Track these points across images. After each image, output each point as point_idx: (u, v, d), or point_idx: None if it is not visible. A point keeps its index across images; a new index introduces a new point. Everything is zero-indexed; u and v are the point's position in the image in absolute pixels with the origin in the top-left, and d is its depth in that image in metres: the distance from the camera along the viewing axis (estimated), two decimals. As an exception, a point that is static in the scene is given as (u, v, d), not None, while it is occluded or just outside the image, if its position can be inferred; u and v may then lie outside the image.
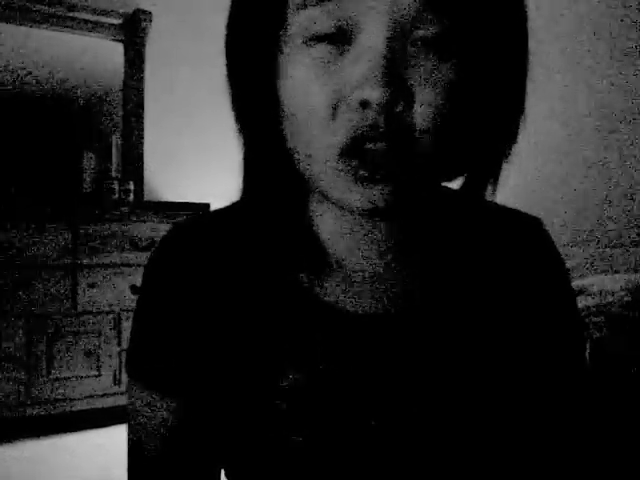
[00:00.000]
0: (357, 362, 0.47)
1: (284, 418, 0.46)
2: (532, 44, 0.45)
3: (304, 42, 0.40)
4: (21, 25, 2.65)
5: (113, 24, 2.80)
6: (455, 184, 0.50)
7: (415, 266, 0.49)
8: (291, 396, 0.46)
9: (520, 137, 0.47)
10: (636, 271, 1.94)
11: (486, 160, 0.46)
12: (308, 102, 0.40)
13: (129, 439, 0.52)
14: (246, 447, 0.47)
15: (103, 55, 2.83)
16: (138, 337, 0.51)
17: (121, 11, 2.79)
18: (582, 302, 1.50)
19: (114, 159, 2.76)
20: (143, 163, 2.86)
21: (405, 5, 0.38)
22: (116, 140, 2.78)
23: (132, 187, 2.69)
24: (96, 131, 2.83)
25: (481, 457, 0.47)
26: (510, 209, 0.55)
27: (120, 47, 2.85)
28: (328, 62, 0.39)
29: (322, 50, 0.40)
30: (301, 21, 0.40)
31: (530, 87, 0.46)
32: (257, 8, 0.43)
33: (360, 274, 0.49)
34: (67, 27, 2.72)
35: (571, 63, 2.80)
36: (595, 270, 2.01)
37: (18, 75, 2.66)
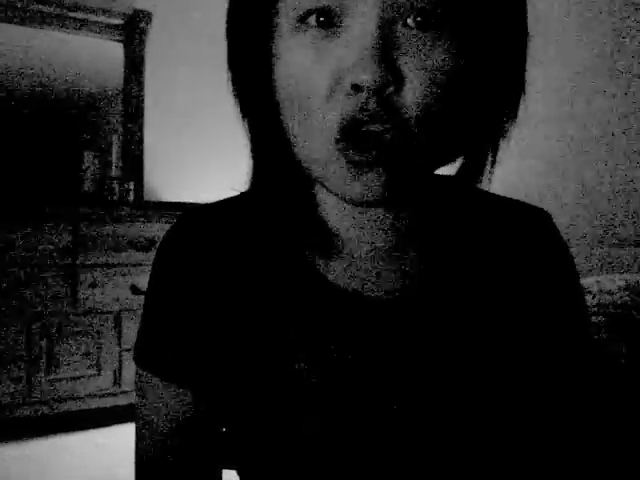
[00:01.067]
0: (368, 345, 0.47)
1: (297, 402, 0.46)
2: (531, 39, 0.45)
3: (295, 27, 0.40)
4: (21, 25, 2.65)
5: (113, 24, 2.80)
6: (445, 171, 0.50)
7: (422, 250, 0.50)
8: (304, 380, 0.46)
9: (522, 136, 0.47)
10: (636, 271, 1.94)
11: (485, 140, 0.46)
12: (302, 88, 0.40)
13: (137, 430, 0.52)
14: (258, 433, 0.47)
15: (103, 55, 2.83)
16: (148, 326, 0.51)
17: (121, 11, 2.79)
18: (582, 302, 1.49)
19: (114, 159, 2.76)
20: (143, 163, 2.86)
21: None
22: (116, 140, 2.78)
23: (132, 187, 2.68)
24: (96, 131, 2.83)
25: (492, 439, 0.47)
26: (516, 200, 0.55)
27: (120, 47, 2.85)
28: (320, 47, 0.40)
29: (313, 35, 0.40)
30: (288, 5, 0.40)
31: (531, 87, 0.46)
32: None
33: (366, 257, 0.49)
34: (67, 27, 2.72)
35: (570, 64, 2.80)
36: (595, 270, 2.01)
37: (18, 75, 2.66)
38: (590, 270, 2.06)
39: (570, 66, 2.80)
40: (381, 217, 0.48)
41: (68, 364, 2.28)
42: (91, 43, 2.80)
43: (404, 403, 0.46)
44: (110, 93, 2.84)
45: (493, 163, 0.47)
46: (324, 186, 0.46)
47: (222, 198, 0.54)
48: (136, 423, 0.52)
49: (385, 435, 0.46)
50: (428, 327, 0.48)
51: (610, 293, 1.47)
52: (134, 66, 2.84)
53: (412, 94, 0.39)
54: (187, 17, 2.94)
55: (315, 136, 0.41)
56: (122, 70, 2.84)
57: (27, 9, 2.63)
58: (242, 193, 0.53)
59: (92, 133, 2.81)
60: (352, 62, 0.38)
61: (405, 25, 0.39)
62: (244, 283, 0.49)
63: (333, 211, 0.49)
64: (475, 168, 0.47)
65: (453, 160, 0.48)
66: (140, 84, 2.85)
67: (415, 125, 0.40)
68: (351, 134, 0.39)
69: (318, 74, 0.40)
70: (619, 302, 1.43)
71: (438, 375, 0.47)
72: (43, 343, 2.24)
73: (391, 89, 0.38)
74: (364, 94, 0.38)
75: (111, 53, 2.84)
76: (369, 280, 0.48)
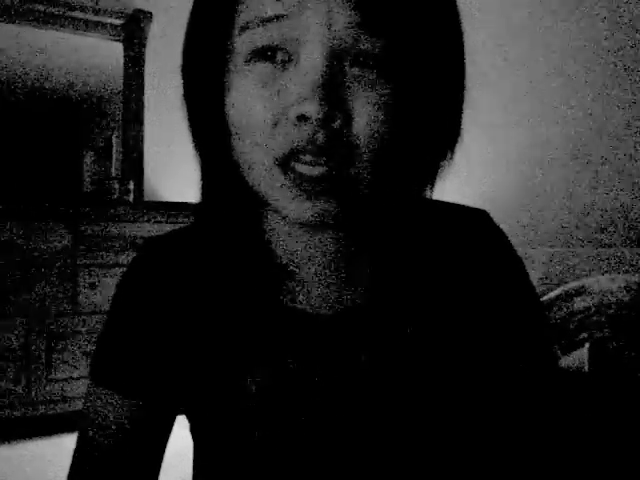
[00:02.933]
0: (318, 360, 0.49)
1: (251, 415, 0.49)
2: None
3: (246, 60, 0.42)
4: (21, 25, 2.65)
5: (113, 24, 2.80)
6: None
7: (370, 266, 0.51)
8: (258, 395, 0.49)
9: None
10: (636, 271, 1.94)
11: (422, 175, 0.48)
12: (249, 118, 0.42)
13: (79, 440, 0.53)
14: (214, 445, 0.51)
15: (103, 55, 2.83)
16: (106, 342, 0.55)
17: (121, 11, 2.79)
18: (582, 302, 1.49)
19: (114, 159, 2.76)
20: (143, 163, 2.86)
21: (342, 26, 0.40)
22: (116, 140, 2.78)
23: (132, 187, 2.68)
24: (96, 131, 2.83)
25: (445, 448, 0.48)
26: (456, 204, 0.57)
27: (120, 47, 2.85)
28: (269, 80, 0.41)
29: (263, 68, 0.42)
30: (244, 40, 0.42)
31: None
32: (204, 30, 0.46)
33: (316, 277, 0.51)
34: (67, 27, 2.71)
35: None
36: (595, 270, 2.01)
37: (18, 75, 2.66)
38: (590, 270, 2.07)
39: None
40: (329, 239, 0.49)
41: (68, 364, 2.28)
42: (91, 43, 2.80)
43: (351, 414, 0.48)
44: (110, 93, 2.84)
45: (427, 190, 0.49)
46: (272, 210, 0.47)
47: (183, 226, 0.57)
48: (80, 430, 0.54)
49: (334, 445, 0.48)
50: (378, 340, 0.49)
51: (610, 293, 1.47)
52: (134, 66, 2.84)
53: (361, 127, 0.41)
54: (187, 17, 2.94)
55: (260, 162, 0.42)
56: (122, 70, 2.84)
57: (27, 9, 2.63)
58: (199, 218, 0.54)
59: (92, 133, 2.81)
60: (299, 95, 0.40)
61: (352, 64, 0.41)
62: (200, 306, 0.51)
63: (281, 235, 0.51)
64: (418, 190, 0.49)
65: (397, 188, 0.49)
66: (140, 84, 2.85)
67: (362, 157, 0.41)
68: (297, 155, 0.41)
69: (264, 106, 0.41)
70: (619, 302, 1.43)
71: (385, 386, 0.49)
72: (43, 343, 2.24)
73: (338, 122, 0.40)
74: (310, 125, 0.40)
75: (111, 53, 2.84)
76: (320, 299, 0.50)
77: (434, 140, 0.47)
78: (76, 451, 0.54)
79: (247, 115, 0.42)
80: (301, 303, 0.50)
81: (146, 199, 2.83)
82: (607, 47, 2.70)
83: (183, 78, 0.48)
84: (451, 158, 0.48)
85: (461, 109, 0.47)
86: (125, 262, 2.36)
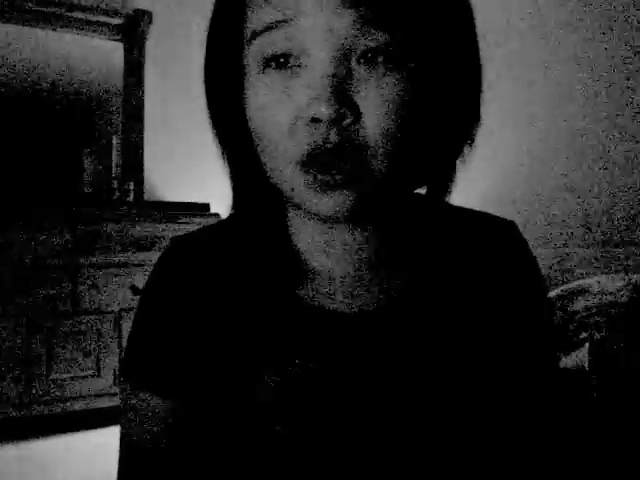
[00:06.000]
0: (340, 359, 0.49)
1: (269, 411, 0.49)
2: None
3: (259, 69, 0.44)
4: (21, 25, 2.65)
5: (113, 24, 2.80)
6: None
7: (393, 269, 0.52)
8: (277, 390, 0.49)
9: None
10: (636, 271, 1.94)
11: (444, 164, 0.49)
12: (267, 125, 0.44)
13: (122, 441, 0.53)
14: (232, 439, 0.50)
15: (103, 55, 2.83)
16: (137, 343, 0.54)
17: (121, 11, 2.79)
18: (582, 302, 1.49)
19: (114, 159, 2.76)
20: (143, 163, 2.86)
21: (342, 25, 0.41)
22: (116, 140, 2.78)
23: (132, 187, 2.69)
24: (96, 131, 2.83)
25: (458, 449, 0.49)
26: (483, 213, 0.57)
27: (120, 47, 2.85)
28: (282, 87, 0.43)
29: (275, 76, 0.44)
30: (253, 49, 0.44)
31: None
32: (218, 44, 0.48)
33: (337, 277, 0.52)
34: (67, 27, 2.72)
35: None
36: (595, 270, 2.00)
37: (18, 75, 2.66)
38: (590, 270, 2.07)
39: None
40: (349, 239, 0.50)
41: (68, 364, 2.28)
42: (91, 43, 2.80)
43: (372, 415, 0.48)
44: (110, 93, 2.84)
45: (452, 181, 0.50)
46: (295, 208, 0.49)
47: (211, 224, 0.59)
48: (122, 430, 0.53)
49: (353, 447, 0.48)
50: (399, 341, 0.50)
51: (610, 293, 1.47)
52: (134, 66, 2.84)
53: (370, 124, 0.42)
54: (187, 17, 2.94)
55: (282, 164, 0.44)
56: (122, 70, 2.84)
57: (27, 9, 2.63)
58: (227, 218, 0.57)
59: (92, 133, 2.81)
60: (310, 98, 0.42)
61: (359, 62, 0.42)
62: (226, 306, 0.52)
63: (305, 239, 0.52)
64: (440, 187, 0.50)
65: (420, 185, 0.51)
66: (140, 84, 2.85)
67: (376, 151, 0.43)
68: (314, 159, 0.42)
69: (280, 112, 0.43)
70: (619, 302, 1.43)
71: (406, 388, 0.49)
72: (43, 343, 2.24)
73: (348, 120, 0.42)
74: (323, 126, 0.41)
75: (111, 53, 2.84)
76: (342, 298, 0.51)
77: (453, 127, 0.48)
78: (122, 457, 0.53)
79: (265, 123, 0.44)
80: (323, 301, 0.51)
81: (146, 199, 2.83)
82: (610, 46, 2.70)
83: (206, 90, 0.51)
84: (471, 145, 0.49)
85: (479, 93, 0.48)
86: (125, 262, 2.37)
